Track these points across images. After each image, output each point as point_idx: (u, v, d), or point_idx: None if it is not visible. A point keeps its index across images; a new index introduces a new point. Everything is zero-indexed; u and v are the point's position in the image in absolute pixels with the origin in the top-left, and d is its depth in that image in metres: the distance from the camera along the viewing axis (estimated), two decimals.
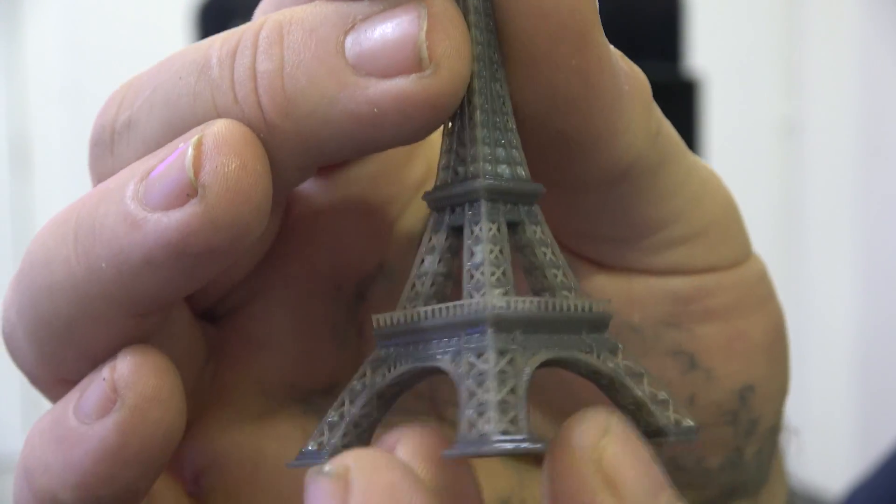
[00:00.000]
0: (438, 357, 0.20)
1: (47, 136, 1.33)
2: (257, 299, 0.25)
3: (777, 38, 1.58)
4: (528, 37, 0.20)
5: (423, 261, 0.21)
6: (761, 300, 0.25)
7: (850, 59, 1.54)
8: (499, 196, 0.20)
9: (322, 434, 0.21)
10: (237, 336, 0.25)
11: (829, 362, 1.58)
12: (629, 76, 0.22)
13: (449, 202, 0.21)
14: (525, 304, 0.19)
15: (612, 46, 0.22)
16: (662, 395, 0.21)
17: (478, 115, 0.20)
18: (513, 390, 0.18)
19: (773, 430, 0.26)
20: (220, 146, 0.19)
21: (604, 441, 0.19)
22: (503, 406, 0.18)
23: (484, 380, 0.19)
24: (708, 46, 1.17)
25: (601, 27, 0.21)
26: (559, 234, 0.23)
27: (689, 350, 0.24)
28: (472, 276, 0.20)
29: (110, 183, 0.21)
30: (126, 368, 0.21)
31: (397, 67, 0.19)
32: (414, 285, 0.21)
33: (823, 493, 1.01)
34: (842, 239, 1.57)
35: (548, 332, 0.20)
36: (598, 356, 0.20)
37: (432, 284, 0.21)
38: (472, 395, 0.18)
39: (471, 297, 0.19)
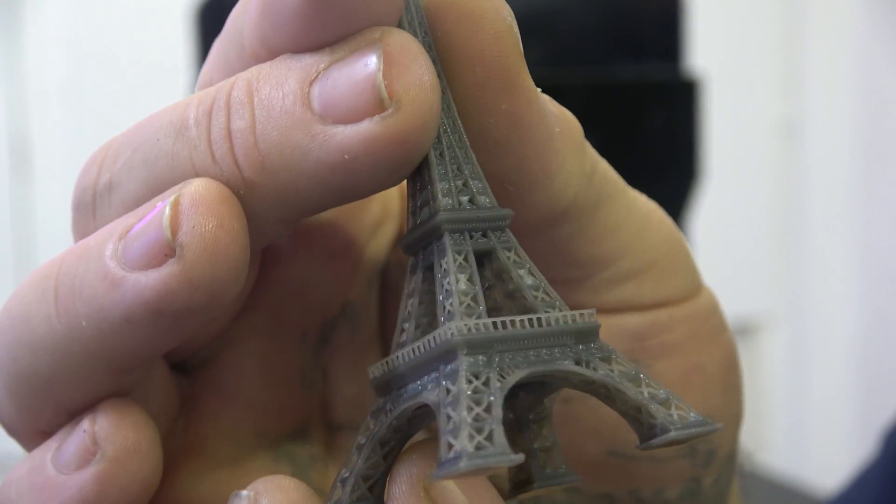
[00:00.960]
0: (423, 393, 0.20)
1: (47, 136, 1.33)
2: (227, 351, 0.25)
3: (777, 38, 1.58)
4: (457, 82, 0.21)
5: (406, 305, 0.21)
6: (715, 332, 0.26)
7: (850, 59, 1.54)
8: (463, 226, 0.21)
9: (335, 490, 0.21)
10: (208, 387, 0.25)
11: (828, 362, 1.58)
12: (559, 118, 0.22)
13: (420, 244, 0.21)
14: (497, 325, 0.20)
15: (540, 91, 0.22)
16: (662, 394, 0.21)
17: (431, 154, 0.21)
18: (487, 408, 0.19)
19: (730, 457, 0.27)
20: (196, 205, 0.20)
21: (431, 471, 0.20)
22: (476, 424, 0.18)
23: (458, 401, 0.19)
24: (708, 46, 1.16)
25: (528, 71, 0.21)
26: None
27: None
28: (444, 309, 0.20)
29: (90, 241, 0.21)
30: (106, 421, 0.21)
31: (361, 111, 0.19)
32: (402, 330, 0.21)
33: (823, 492, 1.01)
34: (841, 238, 1.57)
35: (529, 349, 0.20)
36: (588, 365, 0.20)
37: (417, 327, 0.21)
38: (448, 418, 0.19)
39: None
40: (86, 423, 0.21)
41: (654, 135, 0.86)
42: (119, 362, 0.21)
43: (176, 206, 0.20)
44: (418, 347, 0.20)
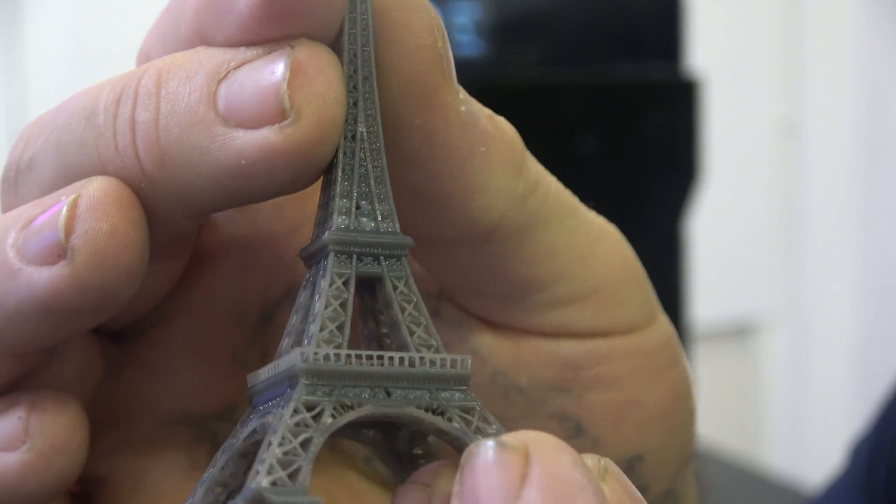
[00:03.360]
0: (268, 414, 0.19)
1: None
2: (158, 326, 0.24)
3: (777, 38, 1.58)
4: (378, 92, 0.20)
5: (291, 319, 0.21)
6: (661, 369, 0.25)
7: (850, 59, 1.54)
8: (351, 249, 0.20)
9: (194, 491, 0.21)
10: (135, 361, 0.24)
11: (828, 362, 1.58)
12: (491, 136, 0.22)
13: (313, 259, 0.21)
14: (351, 357, 0.19)
15: (477, 105, 0.21)
16: None
17: (338, 169, 0.20)
18: (304, 444, 0.18)
19: (667, 494, 0.26)
20: (92, 209, 0.19)
21: (601, 483, 0.18)
22: (285, 459, 0.18)
23: (275, 431, 0.18)
24: (708, 46, 1.17)
25: (450, 86, 0.21)
26: (444, 288, 0.23)
27: (576, 416, 0.24)
28: (308, 332, 0.20)
29: None
30: (43, 415, 0.21)
31: (262, 118, 0.19)
32: (283, 342, 0.21)
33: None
34: (841, 238, 1.57)
35: (382, 388, 0.19)
36: (444, 415, 0.20)
37: (294, 343, 0.21)
38: (267, 446, 0.18)
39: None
40: (21, 411, 0.21)
41: (654, 135, 0.86)
42: (14, 349, 0.21)
43: (73, 208, 0.19)
44: (275, 366, 0.20)
